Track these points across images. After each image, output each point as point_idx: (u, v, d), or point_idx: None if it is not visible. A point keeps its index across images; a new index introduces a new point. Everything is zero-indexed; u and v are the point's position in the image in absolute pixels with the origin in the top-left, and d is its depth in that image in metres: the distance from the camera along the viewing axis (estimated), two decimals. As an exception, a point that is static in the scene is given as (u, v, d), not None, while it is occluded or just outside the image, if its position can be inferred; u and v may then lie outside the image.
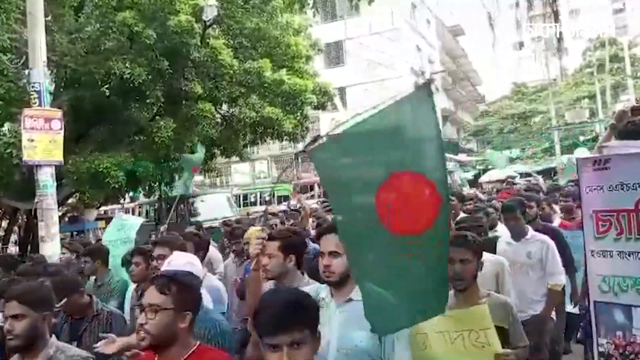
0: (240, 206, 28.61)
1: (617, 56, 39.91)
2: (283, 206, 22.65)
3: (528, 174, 31.07)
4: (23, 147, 8.02)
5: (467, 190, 19.05)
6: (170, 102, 13.90)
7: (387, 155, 2.31)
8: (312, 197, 28.49)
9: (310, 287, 2.96)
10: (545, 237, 4.98)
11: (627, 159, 2.67)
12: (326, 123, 35.42)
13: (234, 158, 19.73)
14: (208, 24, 13.45)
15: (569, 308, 5.73)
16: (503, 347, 2.68)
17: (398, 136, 2.30)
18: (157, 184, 18.41)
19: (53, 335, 2.95)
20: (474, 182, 29.49)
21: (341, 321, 2.61)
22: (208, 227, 13.07)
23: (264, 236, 3.08)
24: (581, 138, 36.26)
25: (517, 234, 5.04)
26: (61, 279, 3.98)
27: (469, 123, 54.40)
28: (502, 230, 5.91)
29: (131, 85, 11.98)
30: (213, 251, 6.73)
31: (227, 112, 16.32)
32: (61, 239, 8.98)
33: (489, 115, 49.91)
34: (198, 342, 2.45)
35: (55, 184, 8.41)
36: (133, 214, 29.55)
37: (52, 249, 7.88)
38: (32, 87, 8.19)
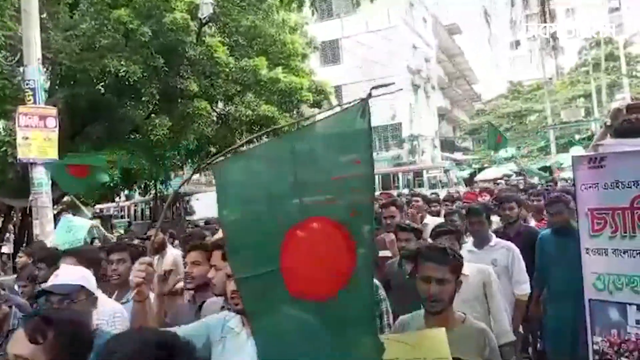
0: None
1: (613, 55, 40.00)
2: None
3: (519, 173, 31.15)
4: (18, 144, 8.00)
5: (462, 190, 19.04)
6: (166, 100, 13.86)
7: (302, 190, 1.92)
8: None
9: (218, 315, 2.68)
10: (510, 244, 4.67)
11: (622, 157, 2.67)
12: (322, 121, 35.48)
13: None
14: (204, 21, 13.43)
15: None
16: None
17: (319, 161, 1.94)
18: (152, 182, 18.39)
19: None
20: (469, 181, 29.50)
21: (252, 353, 2.25)
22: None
23: (150, 261, 2.43)
24: (577, 137, 36.35)
25: (481, 241, 4.68)
26: None
27: (464, 121, 54.46)
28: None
29: (126, 83, 11.94)
30: None
31: (223, 110, 16.30)
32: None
33: (485, 114, 49.98)
34: None
35: (50, 182, 8.38)
36: (128, 212, 29.54)
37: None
38: (27, 84, 8.16)
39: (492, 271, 3.81)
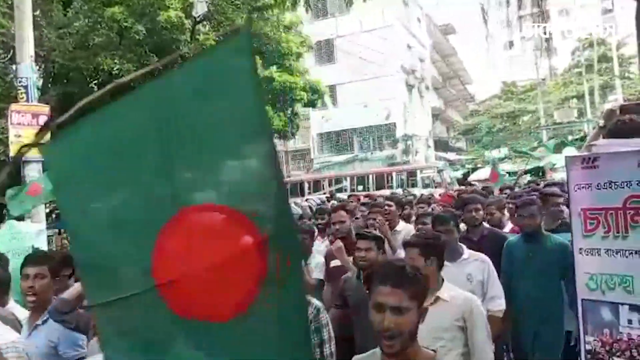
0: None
1: (606, 56, 40.22)
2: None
3: (517, 173, 31.25)
4: (10, 142, 7.95)
5: (456, 188, 19.06)
6: (160, 98, 13.82)
7: (174, 169, 1.30)
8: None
9: None
10: (483, 256, 4.10)
11: (615, 157, 2.68)
12: (316, 121, 35.49)
13: (224, 155, 19.66)
14: (198, 20, 13.40)
15: None
16: None
17: (194, 126, 1.28)
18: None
19: None
20: (463, 181, 29.59)
21: None
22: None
23: None
24: (570, 137, 36.51)
25: (452, 253, 4.03)
26: None
27: (458, 122, 54.63)
28: None
29: (120, 81, 11.91)
30: None
31: (217, 109, 16.28)
32: (49, 236, 8.91)
33: (479, 114, 50.16)
34: None
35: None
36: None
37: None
38: (20, 82, 8.10)
39: (479, 303, 3.19)
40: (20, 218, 7.21)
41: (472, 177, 29.84)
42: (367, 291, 2.21)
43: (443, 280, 3.14)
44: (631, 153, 2.61)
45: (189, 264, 1.28)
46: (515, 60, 53.44)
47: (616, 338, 2.63)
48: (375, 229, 5.95)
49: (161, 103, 1.28)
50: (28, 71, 8.13)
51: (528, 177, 27.35)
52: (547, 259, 4.21)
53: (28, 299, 3.36)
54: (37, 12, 11.05)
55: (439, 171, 27.36)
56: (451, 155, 42.33)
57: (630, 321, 2.59)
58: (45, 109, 8.36)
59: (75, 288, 3.10)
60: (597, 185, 2.69)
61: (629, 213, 2.58)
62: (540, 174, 29.23)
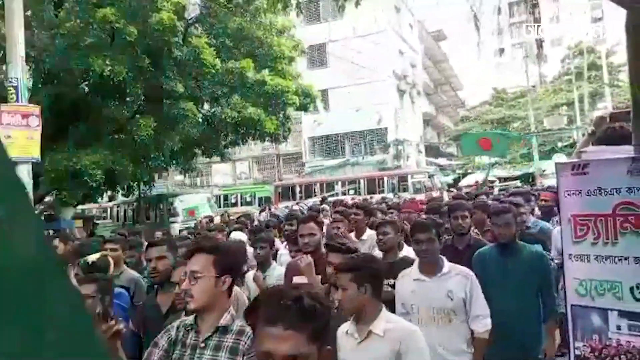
0: (220, 206, 28.45)
1: (595, 64, 40.62)
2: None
3: (507, 179, 31.45)
4: (-1, 143, 7.87)
5: (446, 195, 19.13)
6: (151, 100, 13.78)
7: None
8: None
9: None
10: (466, 270, 3.65)
11: (605, 164, 2.70)
12: (308, 125, 35.50)
13: (215, 158, 19.63)
14: (190, 22, 13.39)
15: None
16: None
17: None
18: (136, 183, 18.24)
19: None
20: (453, 186, 29.72)
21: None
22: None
23: None
24: (559, 144, 36.79)
25: (431, 266, 3.60)
26: None
27: (449, 127, 54.87)
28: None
29: (111, 82, 11.86)
30: None
31: (209, 111, 16.26)
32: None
33: (470, 120, 50.41)
34: None
35: (31, 181, 8.27)
36: (111, 213, 29.25)
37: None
38: (10, 82, 8.03)
39: (420, 335, 2.69)
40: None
41: (463, 183, 30.00)
42: (250, 328, 2.04)
43: (381, 308, 2.71)
44: (621, 160, 2.63)
45: None
46: (505, 67, 53.79)
47: (605, 344, 2.65)
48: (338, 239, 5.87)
49: None
50: (18, 71, 8.06)
51: (518, 184, 27.54)
52: (525, 271, 3.96)
53: None
54: (28, 12, 10.97)
55: (430, 176, 27.47)
56: (442, 161, 42.49)
57: (619, 327, 2.61)
58: (36, 109, 8.29)
59: None
60: (587, 192, 2.71)
61: (619, 220, 2.60)
62: (530, 180, 29.45)
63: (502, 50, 55.47)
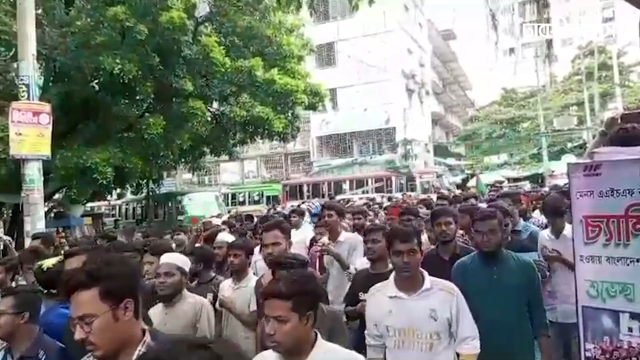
0: (228, 205, 28.54)
1: (606, 64, 40.34)
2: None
3: (516, 179, 31.30)
4: (10, 140, 7.94)
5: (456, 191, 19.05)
6: (161, 99, 13.84)
7: None
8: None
9: None
10: (450, 285, 3.19)
11: (618, 165, 2.68)
12: (316, 124, 35.52)
13: (223, 157, 19.70)
14: (200, 21, 13.42)
15: None
16: None
17: None
18: (144, 181, 18.33)
19: None
20: (462, 187, 29.62)
21: None
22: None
23: None
24: (569, 145, 36.59)
25: (411, 282, 3.13)
26: None
27: (458, 127, 54.69)
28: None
29: (121, 81, 11.91)
30: None
31: (218, 110, 16.30)
32: (47, 235, 8.87)
33: (478, 120, 50.22)
34: None
35: (42, 178, 8.33)
36: (119, 211, 29.43)
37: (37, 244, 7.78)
38: (21, 80, 8.10)
39: None
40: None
41: (471, 183, 29.91)
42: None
43: (317, 336, 2.35)
44: (634, 161, 2.61)
45: None
46: (515, 66, 53.54)
47: (616, 346, 2.63)
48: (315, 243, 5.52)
49: None
50: (29, 69, 8.13)
51: (527, 184, 27.42)
52: (513, 283, 3.54)
53: None
54: (40, 11, 11.06)
55: (438, 176, 27.40)
56: (450, 161, 42.36)
57: (630, 329, 2.58)
58: (47, 107, 8.36)
59: None
60: (599, 193, 2.69)
61: (631, 221, 2.58)
62: (540, 180, 29.31)
63: (512, 50, 55.18)
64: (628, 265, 2.59)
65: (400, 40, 34.72)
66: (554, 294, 4.57)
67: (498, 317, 3.42)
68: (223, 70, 13.72)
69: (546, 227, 5.20)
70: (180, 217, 21.57)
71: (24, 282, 4.60)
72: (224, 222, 8.64)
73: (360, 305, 3.70)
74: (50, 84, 12.71)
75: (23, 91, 8.04)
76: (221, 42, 14.09)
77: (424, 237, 5.07)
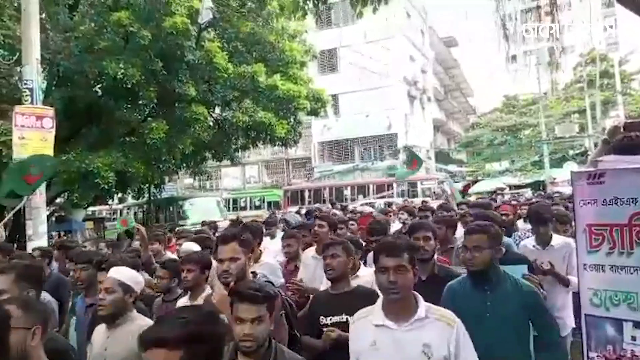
0: (229, 210, 28.53)
1: (608, 72, 40.38)
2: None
3: (518, 186, 31.28)
4: (13, 144, 7.95)
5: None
6: (163, 103, 13.87)
7: None
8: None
9: None
10: (450, 314, 2.53)
11: (621, 173, 2.68)
12: (318, 129, 35.55)
13: (225, 162, 19.71)
14: (203, 26, 13.46)
15: None
16: None
17: None
18: (146, 185, 18.33)
19: None
20: (463, 193, 29.61)
21: None
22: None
23: None
24: (570, 152, 36.57)
25: (401, 308, 2.51)
26: None
27: (459, 134, 54.72)
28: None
29: (124, 85, 11.94)
30: None
31: (220, 115, 16.32)
32: (49, 238, 8.90)
33: (480, 127, 50.26)
34: None
35: (44, 182, 8.33)
36: (121, 215, 29.42)
37: (39, 248, 7.78)
38: (25, 84, 8.12)
39: None
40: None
41: (473, 190, 29.89)
42: None
43: None
44: (637, 170, 2.61)
45: None
46: (517, 74, 53.62)
47: (619, 354, 2.62)
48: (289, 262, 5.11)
49: None
50: (33, 73, 8.15)
51: (528, 191, 27.40)
52: (510, 310, 3.04)
53: None
54: (43, 15, 11.10)
55: (440, 183, 27.38)
56: (452, 167, 42.35)
57: (634, 338, 2.58)
58: (50, 111, 8.38)
59: None
60: (603, 201, 2.69)
61: (635, 230, 2.57)
62: (541, 187, 29.28)
63: (513, 57, 55.28)
64: (631, 273, 2.59)
65: (403, 46, 34.80)
66: None
67: (493, 350, 2.83)
68: (226, 75, 13.76)
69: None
70: (181, 222, 21.56)
71: None
72: (197, 232, 7.57)
73: (325, 334, 3.17)
74: (54, 88, 12.74)
75: (26, 95, 8.06)
76: (224, 47, 14.14)
77: None
